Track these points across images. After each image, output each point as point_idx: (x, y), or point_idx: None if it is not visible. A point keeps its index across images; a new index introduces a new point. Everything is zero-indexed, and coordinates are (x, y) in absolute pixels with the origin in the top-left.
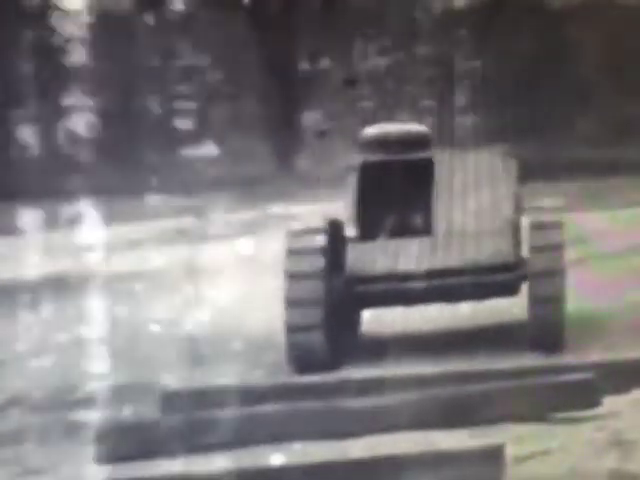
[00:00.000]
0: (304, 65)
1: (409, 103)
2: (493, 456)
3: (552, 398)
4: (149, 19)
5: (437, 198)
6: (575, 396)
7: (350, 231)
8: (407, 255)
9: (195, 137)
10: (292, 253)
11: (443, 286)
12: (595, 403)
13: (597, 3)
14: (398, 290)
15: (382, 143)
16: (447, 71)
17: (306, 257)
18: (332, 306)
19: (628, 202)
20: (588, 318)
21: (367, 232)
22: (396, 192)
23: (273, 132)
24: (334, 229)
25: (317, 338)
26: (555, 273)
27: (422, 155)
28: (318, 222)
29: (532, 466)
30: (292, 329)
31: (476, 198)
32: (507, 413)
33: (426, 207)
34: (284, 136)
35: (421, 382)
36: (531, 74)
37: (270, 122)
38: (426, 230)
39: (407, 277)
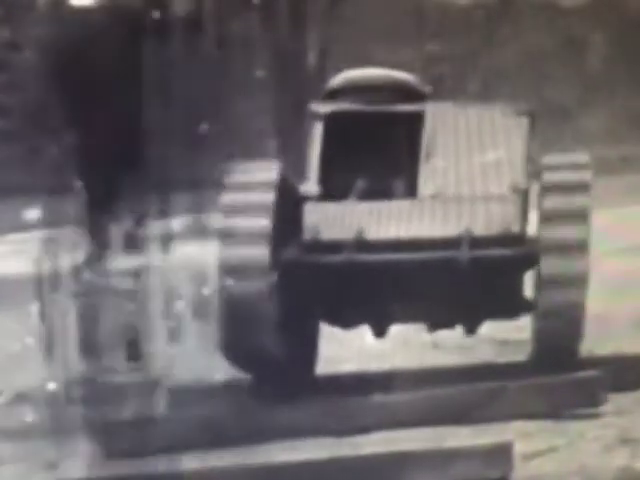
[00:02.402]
0: (313, 60)
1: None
2: (501, 453)
3: (559, 395)
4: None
5: (425, 157)
6: (582, 393)
7: (309, 187)
8: (381, 220)
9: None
10: (226, 237)
11: (426, 260)
12: (602, 400)
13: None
14: (368, 263)
15: (356, 90)
16: (455, 68)
17: (245, 246)
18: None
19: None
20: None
21: (332, 192)
22: (372, 150)
23: (282, 127)
24: (285, 187)
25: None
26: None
27: (407, 107)
28: (261, 192)
29: (540, 463)
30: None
31: (475, 159)
32: (514, 410)
33: (412, 170)
34: (293, 132)
35: (420, 379)
36: (541, 69)
37: (279, 118)
38: (408, 193)
39: (380, 247)
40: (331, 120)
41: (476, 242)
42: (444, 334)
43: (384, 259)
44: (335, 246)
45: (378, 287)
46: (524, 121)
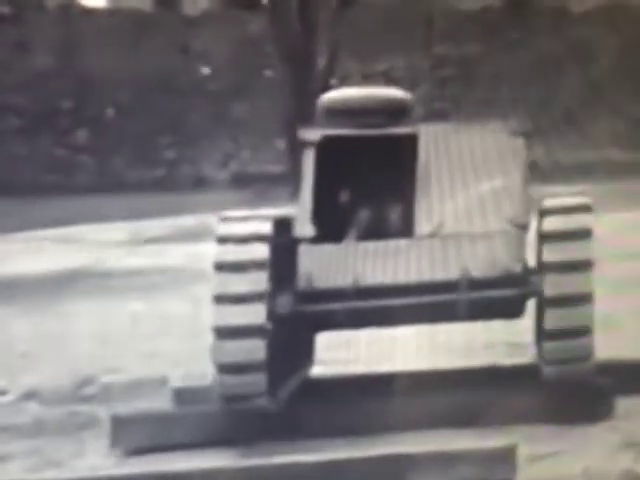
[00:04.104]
0: (322, 62)
1: (423, 104)
2: (506, 456)
3: (564, 398)
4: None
5: (420, 188)
6: (587, 397)
7: (303, 230)
8: (378, 264)
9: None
10: (222, 268)
11: (425, 305)
12: (608, 404)
13: (614, 5)
14: (365, 311)
15: (347, 112)
16: (462, 72)
17: (242, 275)
18: (277, 333)
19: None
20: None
21: (325, 232)
22: (365, 178)
23: (289, 130)
24: (281, 229)
25: (257, 381)
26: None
27: (401, 130)
28: (258, 224)
29: (544, 466)
30: (224, 369)
31: (472, 189)
32: (519, 413)
33: (405, 199)
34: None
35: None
36: (548, 75)
37: (287, 119)
38: (405, 230)
39: (378, 293)
40: (322, 145)
41: (476, 284)
42: (452, 337)
43: (382, 305)
44: (330, 294)
45: (380, 320)
46: (521, 143)
